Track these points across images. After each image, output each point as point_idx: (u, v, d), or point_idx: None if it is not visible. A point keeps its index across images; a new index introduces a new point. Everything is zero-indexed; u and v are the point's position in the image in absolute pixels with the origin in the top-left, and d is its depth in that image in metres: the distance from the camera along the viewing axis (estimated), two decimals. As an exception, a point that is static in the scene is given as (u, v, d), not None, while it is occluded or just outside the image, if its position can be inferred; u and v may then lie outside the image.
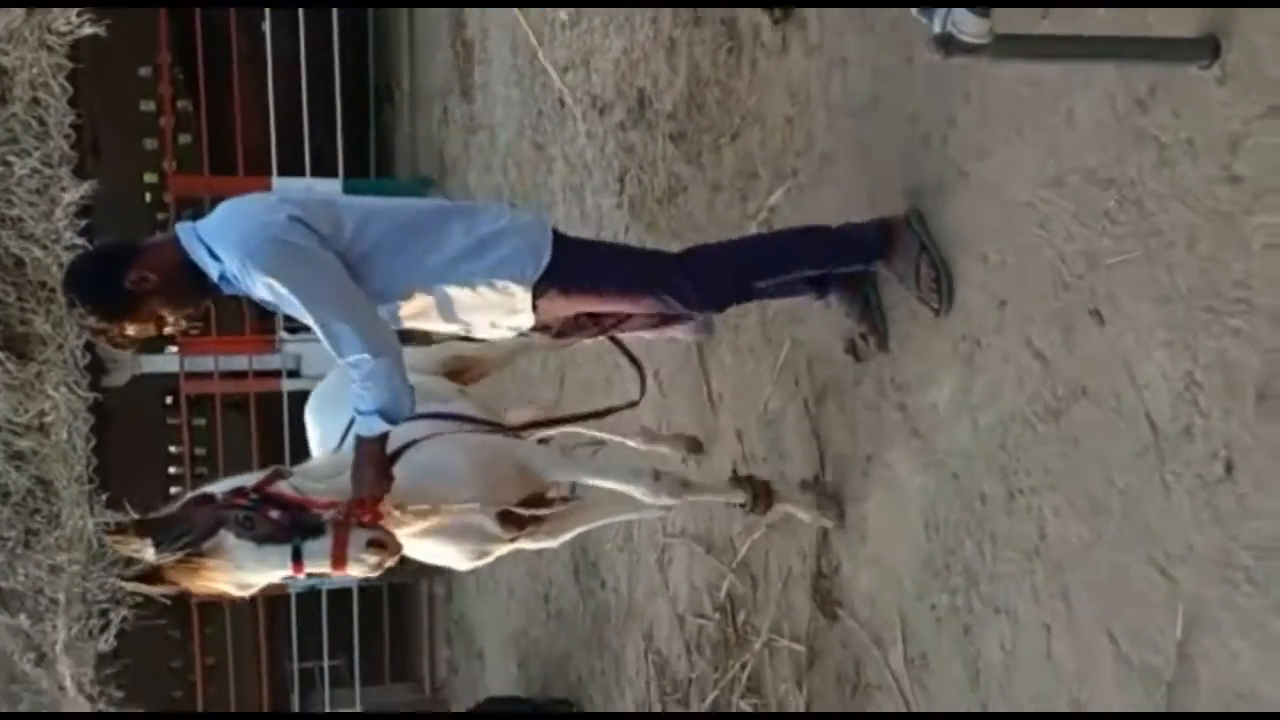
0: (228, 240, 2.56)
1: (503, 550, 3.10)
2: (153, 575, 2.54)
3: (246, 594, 2.60)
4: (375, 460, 2.62)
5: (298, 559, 2.48)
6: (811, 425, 3.28)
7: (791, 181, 3.35)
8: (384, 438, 2.62)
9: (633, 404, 3.39)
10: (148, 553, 2.50)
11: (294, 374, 7.13)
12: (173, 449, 7.94)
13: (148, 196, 8.45)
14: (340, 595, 7.61)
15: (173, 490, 7.99)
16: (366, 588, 7.50)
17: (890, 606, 2.88)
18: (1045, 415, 2.35)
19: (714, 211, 3.89)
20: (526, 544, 3.17)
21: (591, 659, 5.22)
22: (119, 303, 2.59)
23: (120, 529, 2.63)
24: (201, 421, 7.41)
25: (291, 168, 7.38)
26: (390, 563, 2.55)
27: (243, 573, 2.50)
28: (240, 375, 7.14)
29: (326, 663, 8.17)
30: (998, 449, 2.50)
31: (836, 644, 3.17)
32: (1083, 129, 2.23)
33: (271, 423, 7.02)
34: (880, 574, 2.95)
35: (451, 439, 2.98)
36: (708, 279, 2.75)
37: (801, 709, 3.32)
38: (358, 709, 8.02)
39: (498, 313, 2.69)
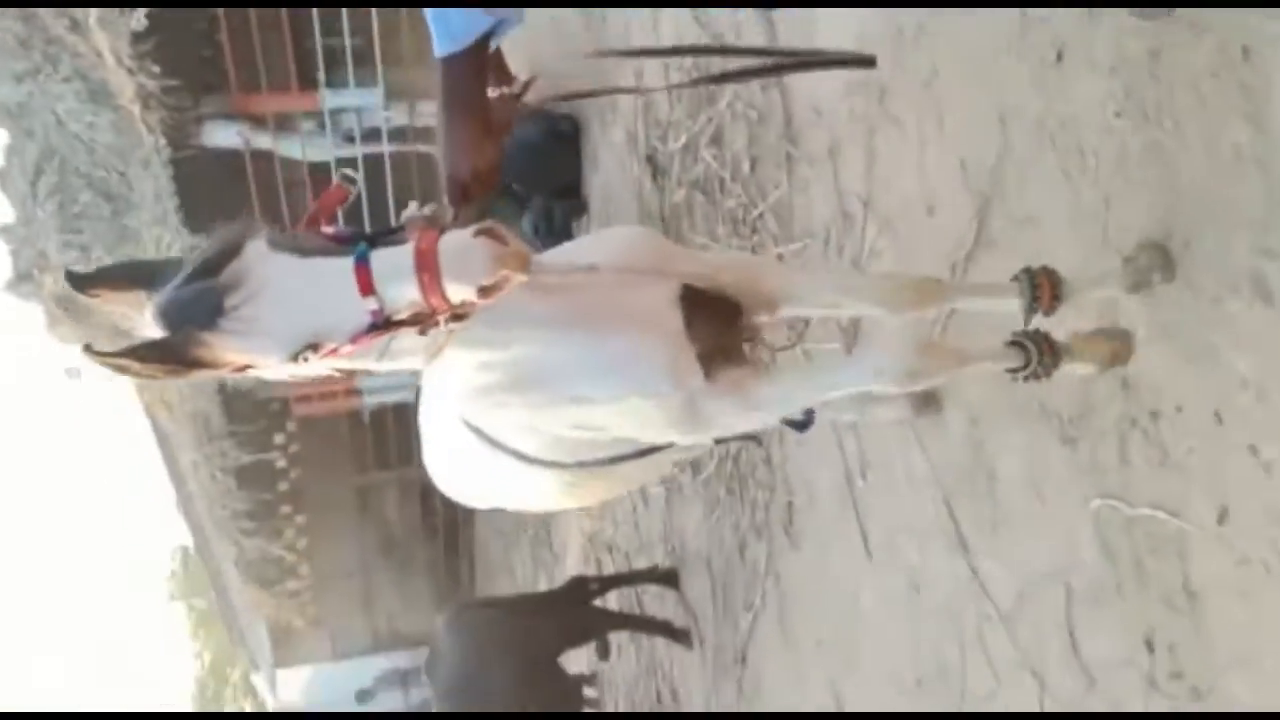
0: None
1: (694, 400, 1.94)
2: (150, 351, 1.56)
3: (281, 372, 1.64)
4: (472, 102, 1.73)
5: (364, 268, 1.52)
6: None
7: None
8: (480, 54, 1.70)
9: (868, 60, 2.24)
10: (135, 317, 1.64)
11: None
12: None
13: None
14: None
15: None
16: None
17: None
18: None
19: None
20: (721, 405, 1.99)
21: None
22: None
23: (95, 278, 1.69)
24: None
25: None
26: (516, 279, 1.54)
27: (289, 306, 1.54)
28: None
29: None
30: None
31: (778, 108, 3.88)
32: None
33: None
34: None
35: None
36: None
37: (748, 166, 4.14)
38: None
39: None
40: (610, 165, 5.98)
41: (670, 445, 2.22)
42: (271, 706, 16.28)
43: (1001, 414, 2.71)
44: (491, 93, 1.91)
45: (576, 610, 6.07)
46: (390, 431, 12.43)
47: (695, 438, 2.14)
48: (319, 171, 9.24)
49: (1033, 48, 2.46)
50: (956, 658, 3.01)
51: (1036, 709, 2.65)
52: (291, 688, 15.54)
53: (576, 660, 7.18)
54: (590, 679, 7.80)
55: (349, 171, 1.75)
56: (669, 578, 5.85)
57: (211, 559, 14.05)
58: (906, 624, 3.28)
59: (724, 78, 2.28)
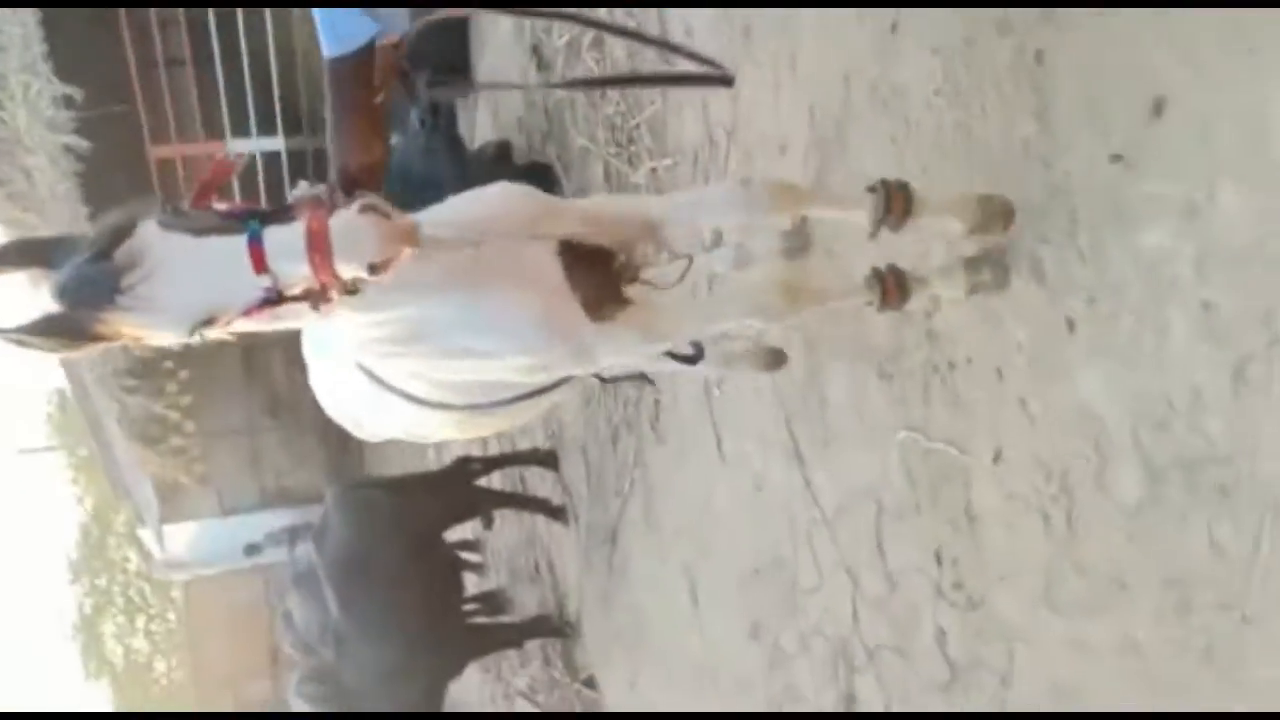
0: None
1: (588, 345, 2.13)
2: (51, 325, 1.65)
3: (186, 338, 1.71)
4: (359, 102, 1.87)
5: (255, 241, 1.62)
6: None
7: None
8: (367, 55, 1.84)
9: (726, 80, 2.42)
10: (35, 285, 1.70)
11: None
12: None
13: None
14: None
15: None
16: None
17: None
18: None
19: None
20: (613, 346, 2.21)
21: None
22: None
23: None
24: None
25: None
26: (405, 252, 1.66)
27: (184, 284, 1.63)
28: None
29: None
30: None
31: None
32: None
33: None
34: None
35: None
36: None
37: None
38: None
39: None
40: (497, 51, 5.98)
41: (556, 387, 2.42)
42: (158, 560, 16.41)
43: (834, 347, 2.99)
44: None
45: (461, 489, 6.36)
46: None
47: (589, 369, 2.31)
48: (195, 12, 8.88)
49: (875, 15, 2.64)
50: (789, 554, 3.37)
51: (849, 605, 3.03)
52: (178, 541, 15.69)
53: (461, 528, 7.53)
54: (473, 545, 8.18)
55: (240, 150, 1.85)
56: (549, 459, 6.16)
57: (92, 412, 13.90)
58: (750, 521, 3.63)
59: (593, 83, 2.46)
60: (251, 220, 1.66)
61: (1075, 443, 2.12)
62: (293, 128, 9.14)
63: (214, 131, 9.15)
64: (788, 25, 3.03)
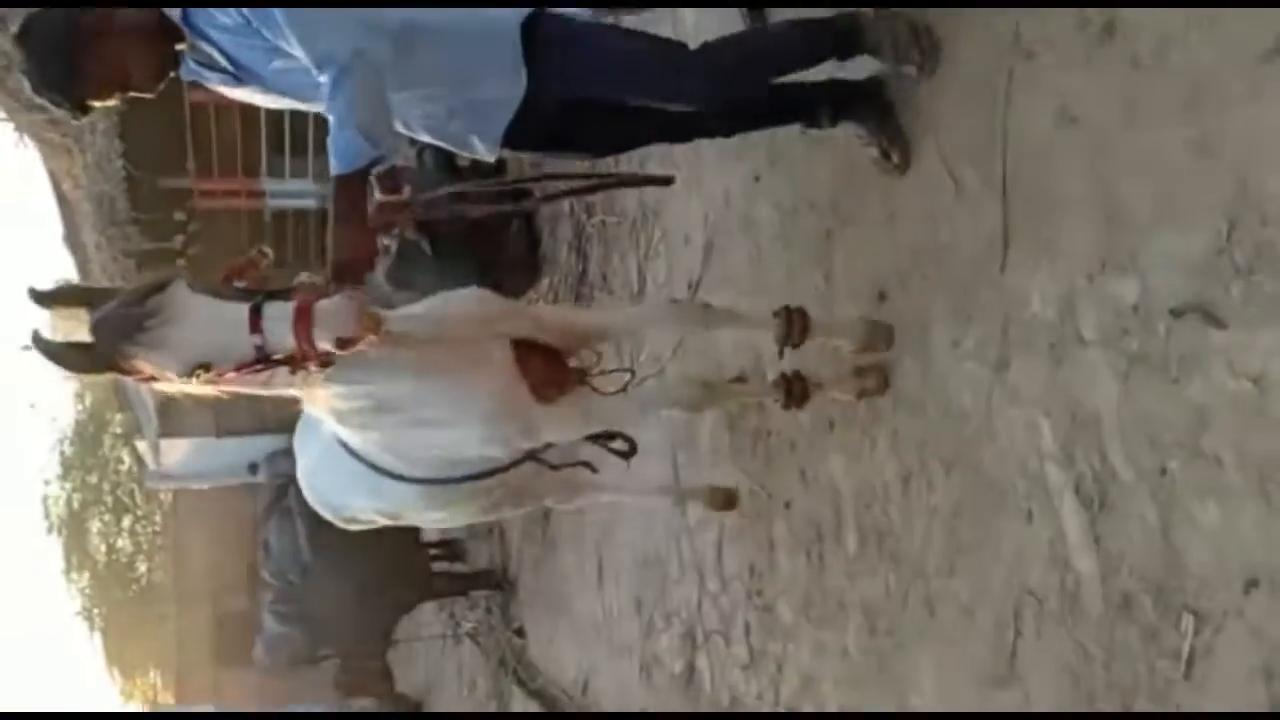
0: None
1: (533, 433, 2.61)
2: (80, 351, 2.07)
3: (194, 385, 2.07)
4: (354, 210, 2.24)
5: (256, 314, 2.01)
6: None
7: None
8: (364, 175, 2.21)
9: (668, 180, 3.05)
10: (79, 327, 2.07)
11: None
12: None
13: None
14: None
15: None
16: None
17: None
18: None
19: None
20: (557, 424, 2.64)
21: None
22: (76, 36, 2.24)
23: (51, 297, 2.17)
24: None
25: None
26: (368, 339, 2.04)
27: (192, 332, 2.00)
28: None
29: None
30: None
31: None
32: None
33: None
34: None
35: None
36: (722, 72, 2.50)
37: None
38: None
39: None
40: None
41: (513, 468, 2.80)
42: (152, 468, 17.22)
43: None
44: (383, 198, 2.41)
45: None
46: (290, 233, 13.04)
47: (531, 444, 2.72)
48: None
49: (749, 160, 3.49)
50: (664, 551, 4.29)
51: (696, 597, 3.94)
52: (171, 455, 16.48)
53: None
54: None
55: (265, 248, 2.25)
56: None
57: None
58: (643, 521, 4.54)
59: (563, 193, 3.15)
60: (260, 296, 2.06)
61: (825, 507, 3.03)
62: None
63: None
64: (698, 151, 3.88)
